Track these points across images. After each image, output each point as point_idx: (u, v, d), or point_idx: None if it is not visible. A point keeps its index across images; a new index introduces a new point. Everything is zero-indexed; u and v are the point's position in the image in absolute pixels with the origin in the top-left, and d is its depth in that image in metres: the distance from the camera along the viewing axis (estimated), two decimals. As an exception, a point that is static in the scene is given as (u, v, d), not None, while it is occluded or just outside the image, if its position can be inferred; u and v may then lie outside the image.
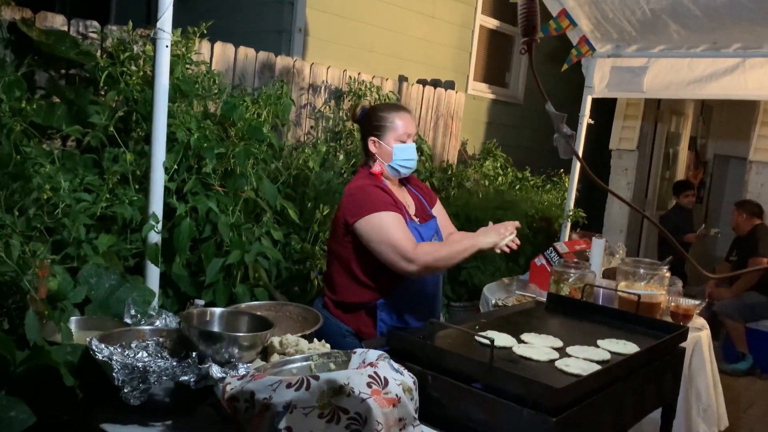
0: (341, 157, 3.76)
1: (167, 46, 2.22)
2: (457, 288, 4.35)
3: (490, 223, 2.26)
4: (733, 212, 5.48)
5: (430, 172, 4.75)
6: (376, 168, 2.31)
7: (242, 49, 3.67)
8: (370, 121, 2.34)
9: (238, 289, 2.60)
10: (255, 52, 3.75)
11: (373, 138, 2.32)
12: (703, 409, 2.95)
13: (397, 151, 2.29)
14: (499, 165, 6.00)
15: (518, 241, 2.23)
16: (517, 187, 5.81)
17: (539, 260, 3.67)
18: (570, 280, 3.19)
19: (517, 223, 2.23)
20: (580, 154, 4.49)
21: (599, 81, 4.35)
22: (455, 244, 2.20)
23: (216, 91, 3.06)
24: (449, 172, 5.11)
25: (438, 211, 2.51)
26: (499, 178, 5.80)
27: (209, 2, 5.05)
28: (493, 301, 3.29)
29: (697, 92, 4.04)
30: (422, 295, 2.34)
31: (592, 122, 4.44)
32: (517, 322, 2.15)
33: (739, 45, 3.78)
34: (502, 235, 2.17)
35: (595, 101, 4.96)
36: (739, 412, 4.50)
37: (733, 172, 7.98)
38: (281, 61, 3.89)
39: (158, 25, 2.15)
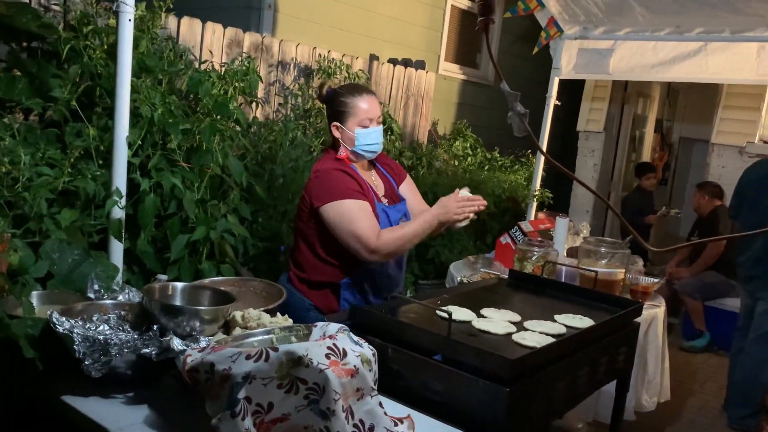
0: (310, 134, 3.76)
1: (130, 20, 2.19)
2: (424, 266, 4.40)
3: (459, 190, 2.24)
4: (695, 194, 5.61)
5: (400, 151, 4.77)
6: (341, 153, 2.31)
7: (210, 25, 3.63)
8: (333, 105, 2.32)
9: (203, 266, 2.60)
10: (223, 28, 3.71)
11: (335, 123, 2.31)
12: (648, 381, 3.06)
13: (360, 136, 2.28)
14: (468, 145, 6.04)
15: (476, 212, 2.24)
16: (486, 167, 5.87)
17: (504, 239, 3.73)
18: (533, 258, 3.26)
19: (483, 201, 2.25)
20: (547, 135, 4.56)
21: (566, 63, 4.40)
22: (414, 225, 2.23)
23: (182, 66, 3.03)
24: (419, 152, 5.14)
25: (407, 188, 2.51)
26: (469, 158, 5.85)
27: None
28: (458, 279, 3.35)
29: (661, 75, 4.11)
30: (386, 276, 2.37)
31: (559, 103, 4.49)
32: (478, 297, 2.20)
33: (701, 29, 3.85)
34: (461, 213, 2.19)
35: (566, 83, 5.01)
36: (696, 386, 4.66)
37: (697, 155, 8.14)
38: (250, 38, 3.86)
39: (121, -3, 2.12)
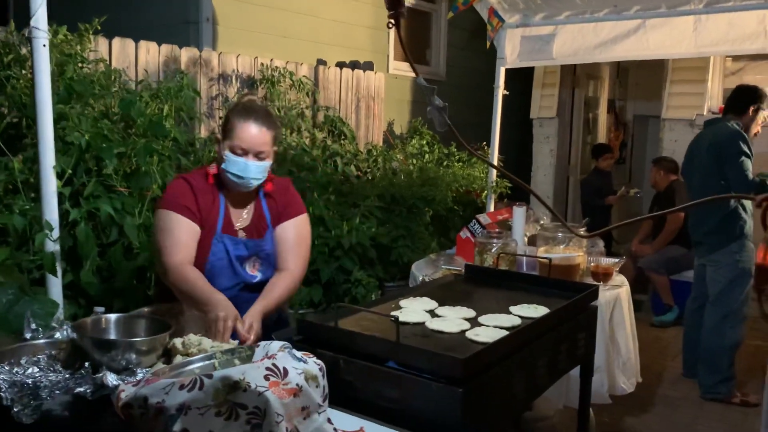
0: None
1: (45, 45, 2.10)
2: (389, 268, 4.36)
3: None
4: (651, 170, 5.67)
5: (353, 155, 4.73)
6: (212, 167, 2.18)
7: (143, 44, 3.54)
8: (224, 118, 2.19)
9: (153, 292, 2.53)
10: (157, 46, 3.63)
11: (218, 136, 2.19)
12: (623, 363, 3.06)
13: (227, 161, 2.09)
14: (425, 143, 6.03)
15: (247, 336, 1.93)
16: (444, 163, 5.85)
17: (464, 233, 3.71)
18: (493, 250, 3.24)
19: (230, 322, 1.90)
20: (498, 124, 4.56)
21: (511, 51, 4.40)
22: (205, 288, 2.00)
23: (116, 89, 2.95)
24: (374, 154, 5.10)
25: (288, 231, 2.23)
26: (426, 156, 5.83)
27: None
28: (420, 278, 3.31)
29: (604, 55, 4.13)
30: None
31: (507, 93, 4.49)
32: (435, 296, 2.16)
33: (638, 7, 3.88)
34: (214, 330, 1.88)
35: (519, 71, 5.01)
36: (668, 360, 4.70)
37: (652, 131, 8.24)
38: (187, 53, 3.78)
39: (32, 23, 2.02)
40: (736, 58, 6.50)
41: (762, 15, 3.52)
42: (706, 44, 3.74)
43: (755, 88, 4.01)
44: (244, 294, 2.17)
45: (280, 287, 2.16)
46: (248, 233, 2.19)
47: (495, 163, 4.69)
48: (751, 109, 3.86)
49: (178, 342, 1.58)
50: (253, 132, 2.08)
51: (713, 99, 6.17)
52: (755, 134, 3.91)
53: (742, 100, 3.91)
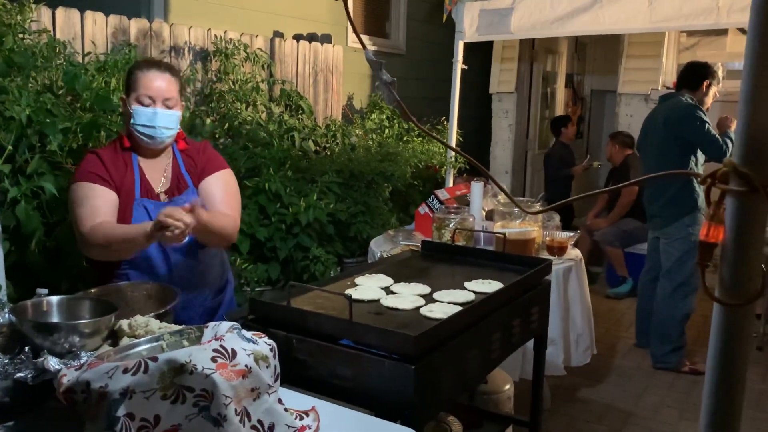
0: (207, 121, 3.60)
1: (-21, 14, 2.00)
2: (348, 244, 4.34)
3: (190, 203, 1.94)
4: (607, 144, 5.75)
5: (311, 129, 4.66)
6: (123, 131, 2.13)
7: (89, 14, 3.40)
8: (127, 75, 2.12)
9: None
10: (105, 17, 3.49)
11: (122, 96, 2.13)
12: (578, 335, 3.12)
13: (135, 114, 2.04)
14: (385, 117, 5.98)
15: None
16: (404, 138, 5.82)
17: (422, 209, 3.71)
18: (450, 225, 3.24)
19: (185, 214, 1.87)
20: (457, 99, 4.54)
21: (469, 25, 4.37)
22: (128, 227, 1.99)
23: (60, 61, 2.83)
24: (332, 129, 5.04)
25: (214, 185, 2.20)
26: (386, 131, 5.79)
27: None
28: (378, 254, 3.30)
29: (561, 30, 4.13)
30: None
31: (465, 67, 4.47)
32: (391, 273, 2.15)
33: (595, -18, 3.88)
34: (171, 223, 1.84)
35: (480, 46, 4.98)
36: (621, 331, 4.82)
37: (609, 106, 8.35)
38: (136, 24, 3.65)
39: (-36, -10, 1.92)
40: (690, 33, 6.61)
41: (715, -9, 3.56)
42: (660, 19, 3.77)
43: (706, 63, 4.10)
44: (175, 256, 2.12)
45: (219, 214, 2.13)
46: (170, 195, 2.14)
47: (454, 137, 4.69)
48: (705, 84, 3.96)
49: (124, 323, 1.54)
50: (157, 78, 2.06)
51: (668, 74, 6.27)
52: (706, 109, 4.00)
53: (696, 75, 4.00)
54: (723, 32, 6.48)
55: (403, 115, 1.09)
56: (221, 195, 2.19)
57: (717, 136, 3.78)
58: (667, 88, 6.04)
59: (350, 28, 6.49)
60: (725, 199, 0.88)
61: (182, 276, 2.13)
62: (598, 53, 8.44)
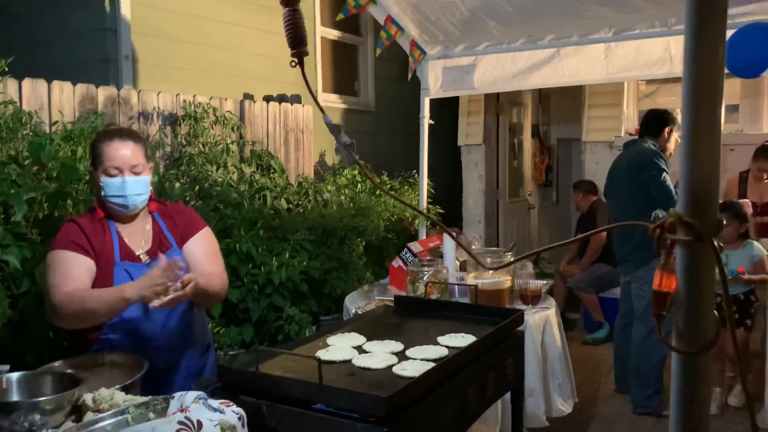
0: (177, 185, 3.60)
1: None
2: (323, 301, 4.31)
3: (162, 256, 1.96)
4: (572, 194, 5.85)
5: (283, 188, 4.68)
6: (95, 202, 2.15)
7: (57, 84, 3.42)
8: (91, 149, 2.16)
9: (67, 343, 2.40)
10: (72, 86, 3.51)
11: (90, 169, 2.15)
12: (559, 384, 3.10)
13: (104, 186, 2.06)
14: (357, 173, 6.03)
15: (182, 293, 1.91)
16: (377, 192, 5.87)
17: (396, 262, 3.71)
18: (424, 278, 3.24)
19: (177, 266, 1.91)
20: (425, 153, 4.61)
21: (434, 82, 4.48)
22: (101, 291, 1.96)
23: (26, 132, 2.83)
24: (304, 186, 5.07)
25: (197, 245, 2.22)
26: (358, 185, 5.84)
27: (22, 34, 4.68)
28: (353, 311, 3.28)
29: (523, 83, 4.26)
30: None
31: (433, 122, 4.56)
32: (363, 331, 2.13)
33: (552, 36, 4.03)
34: (155, 286, 1.87)
35: (443, 100, 5.08)
36: (601, 377, 4.80)
37: (575, 154, 8.54)
38: (104, 92, 3.68)
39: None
40: (648, 81, 6.84)
41: (666, 42, 3.71)
42: (616, 70, 3.91)
43: (666, 111, 4.25)
44: (159, 316, 2.08)
45: (211, 276, 2.14)
46: (152, 255, 2.13)
47: (425, 190, 4.74)
48: (666, 130, 4.10)
49: (88, 398, 1.50)
50: (120, 147, 2.07)
51: (629, 121, 6.46)
52: (669, 155, 4.11)
53: (657, 123, 4.14)
54: (680, 79, 6.71)
55: (364, 174, 1.11)
56: (207, 255, 2.22)
57: (670, 186, 3.86)
58: (630, 134, 6.21)
59: (320, 88, 6.63)
60: (674, 248, 0.90)
61: (168, 337, 2.11)
62: (562, 103, 8.67)
